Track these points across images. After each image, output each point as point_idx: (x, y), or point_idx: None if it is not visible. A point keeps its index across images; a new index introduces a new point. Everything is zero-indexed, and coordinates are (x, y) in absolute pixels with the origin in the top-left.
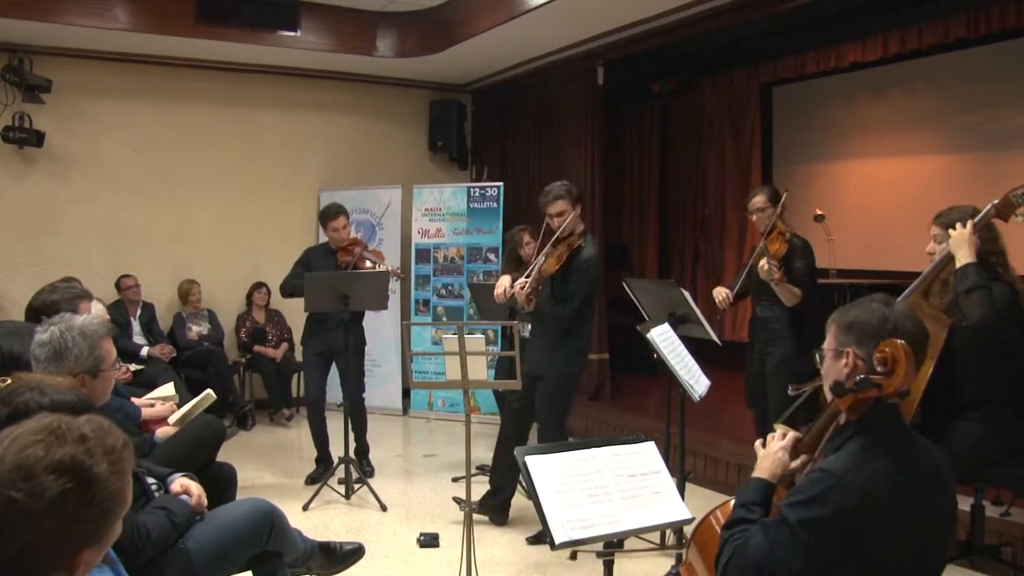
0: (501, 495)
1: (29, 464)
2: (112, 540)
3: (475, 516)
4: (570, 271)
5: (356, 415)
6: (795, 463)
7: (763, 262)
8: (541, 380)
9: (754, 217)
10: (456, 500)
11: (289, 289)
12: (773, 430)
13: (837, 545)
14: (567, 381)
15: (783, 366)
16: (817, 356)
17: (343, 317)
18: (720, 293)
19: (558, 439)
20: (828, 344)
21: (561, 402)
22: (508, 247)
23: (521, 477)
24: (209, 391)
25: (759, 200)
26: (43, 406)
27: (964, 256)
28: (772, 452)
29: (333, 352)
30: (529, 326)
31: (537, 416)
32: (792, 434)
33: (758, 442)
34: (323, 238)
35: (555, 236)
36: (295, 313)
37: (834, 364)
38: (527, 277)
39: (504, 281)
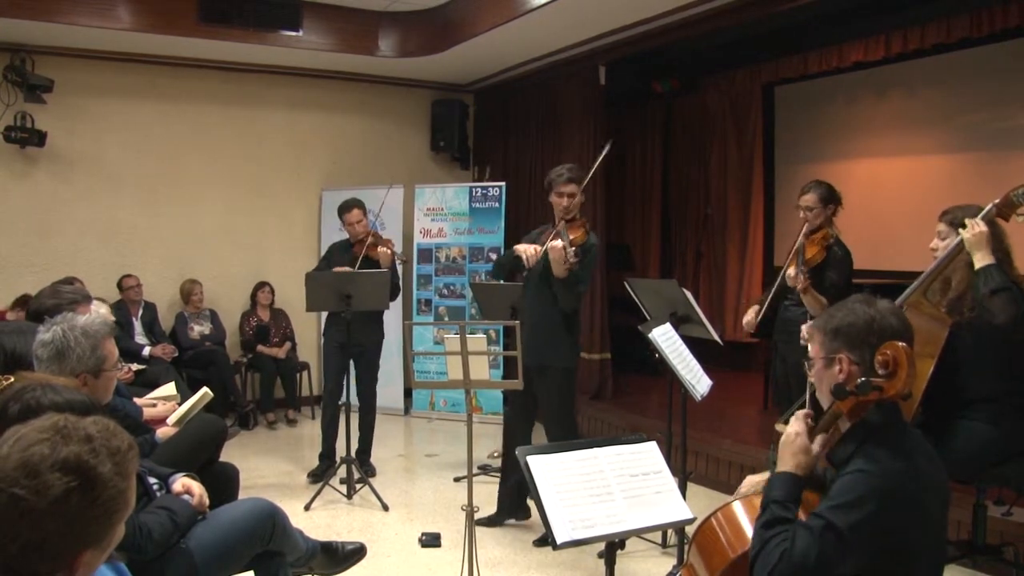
0: (519, 492)
1: (34, 462)
2: (114, 543)
3: (476, 516)
4: (581, 249)
5: (365, 412)
6: (815, 445)
7: (792, 269)
8: (543, 371)
9: (801, 214)
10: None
11: None
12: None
13: (882, 545)
14: (570, 371)
15: (802, 369)
16: (806, 365)
17: (352, 313)
18: (748, 316)
19: (571, 434)
20: (815, 352)
21: (568, 393)
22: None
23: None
24: (206, 389)
25: (809, 199)
26: (57, 404)
27: (983, 257)
28: (791, 440)
29: (352, 344)
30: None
31: (545, 413)
32: (802, 413)
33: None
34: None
35: (568, 217)
36: (299, 312)
37: (826, 372)
38: (561, 241)
39: (527, 247)
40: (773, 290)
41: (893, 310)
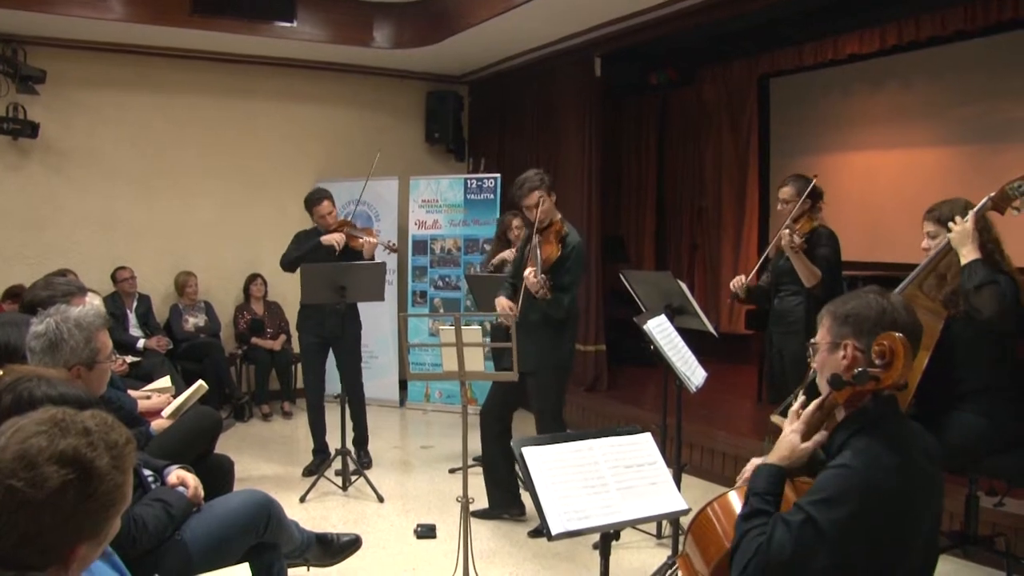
0: (507, 487)
1: (32, 454)
2: (110, 537)
3: (471, 508)
4: (560, 260)
5: (355, 403)
6: (806, 444)
7: (785, 230)
8: (532, 375)
9: (779, 206)
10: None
11: (288, 263)
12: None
13: (863, 540)
14: (560, 372)
15: (801, 359)
16: (810, 349)
17: (339, 307)
18: (736, 280)
19: (557, 430)
20: (822, 337)
21: (556, 392)
22: (498, 230)
23: (518, 468)
24: (201, 382)
25: (786, 191)
26: (50, 396)
27: (969, 252)
28: (784, 436)
29: (330, 339)
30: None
31: (534, 409)
32: (805, 412)
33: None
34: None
35: (536, 226)
36: (293, 305)
37: (831, 357)
38: (532, 268)
39: (503, 302)
40: (764, 257)
41: (905, 305)
